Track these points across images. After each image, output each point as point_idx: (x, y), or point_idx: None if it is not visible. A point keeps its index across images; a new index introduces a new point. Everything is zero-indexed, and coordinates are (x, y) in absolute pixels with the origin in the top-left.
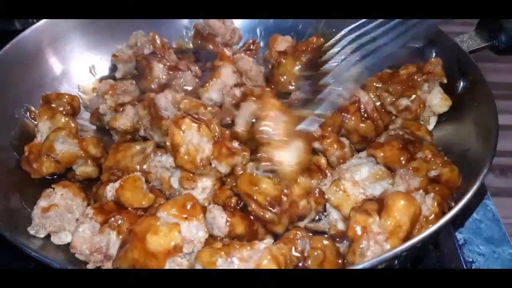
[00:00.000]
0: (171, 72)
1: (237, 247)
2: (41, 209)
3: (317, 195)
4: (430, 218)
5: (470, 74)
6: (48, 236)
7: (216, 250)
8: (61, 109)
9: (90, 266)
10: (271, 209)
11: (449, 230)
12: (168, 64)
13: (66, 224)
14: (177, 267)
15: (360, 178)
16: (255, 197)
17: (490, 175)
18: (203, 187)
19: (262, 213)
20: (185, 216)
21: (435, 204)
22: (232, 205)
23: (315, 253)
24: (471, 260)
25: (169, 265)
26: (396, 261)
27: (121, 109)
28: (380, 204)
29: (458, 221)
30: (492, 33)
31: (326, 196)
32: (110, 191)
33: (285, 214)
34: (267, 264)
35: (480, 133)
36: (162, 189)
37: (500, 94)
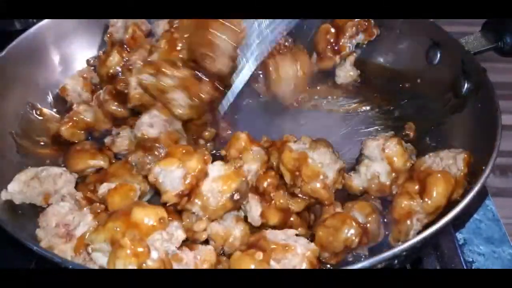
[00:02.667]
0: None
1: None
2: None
3: None
4: (460, 180)
5: (475, 75)
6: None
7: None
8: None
9: (43, 244)
10: None
11: (449, 230)
12: (126, 59)
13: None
14: (156, 252)
15: None
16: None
17: (490, 175)
18: (248, 170)
19: None
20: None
21: (464, 165)
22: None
23: (369, 219)
24: (471, 260)
25: (152, 239)
26: (396, 261)
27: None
28: (421, 185)
29: (459, 222)
30: (497, 35)
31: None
32: (104, 188)
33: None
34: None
35: (482, 134)
36: None
37: (500, 94)
